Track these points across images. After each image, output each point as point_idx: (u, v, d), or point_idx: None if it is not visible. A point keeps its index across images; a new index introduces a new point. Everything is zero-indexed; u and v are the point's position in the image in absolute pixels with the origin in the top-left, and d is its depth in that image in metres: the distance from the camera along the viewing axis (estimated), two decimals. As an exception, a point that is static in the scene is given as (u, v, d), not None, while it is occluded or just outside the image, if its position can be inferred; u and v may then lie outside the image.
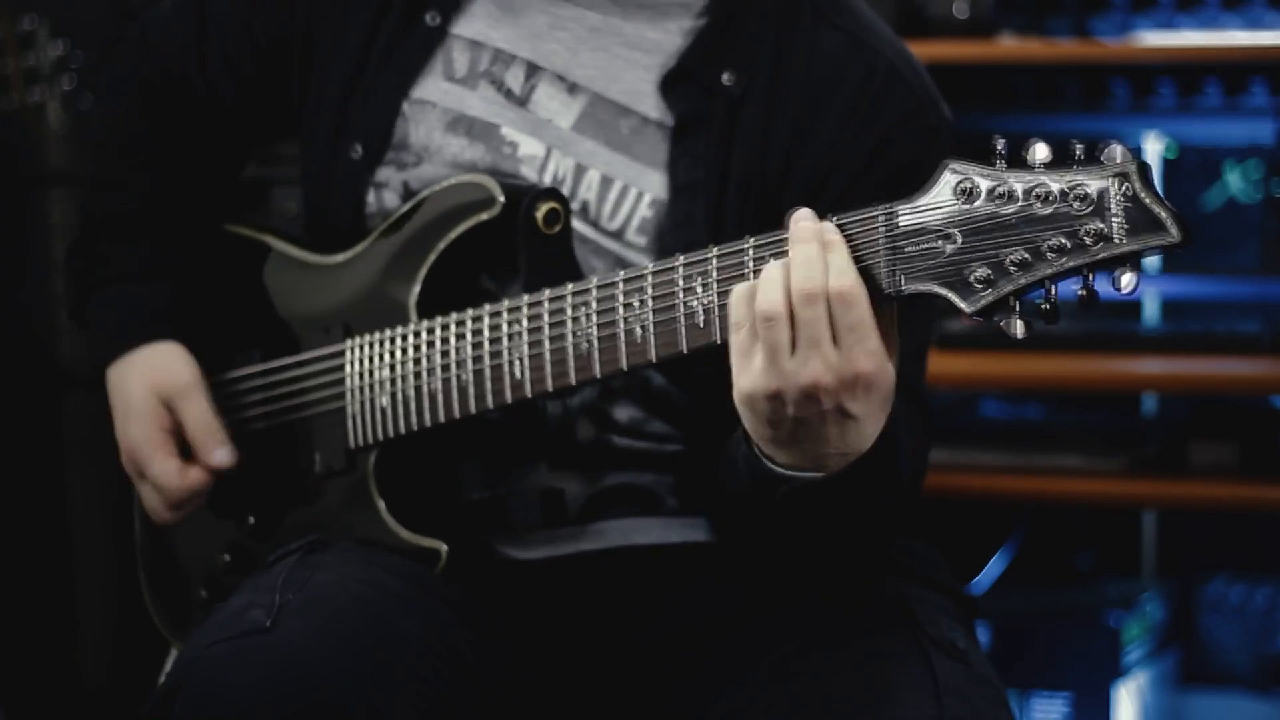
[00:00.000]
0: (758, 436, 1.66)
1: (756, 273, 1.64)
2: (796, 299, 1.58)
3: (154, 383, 2.01)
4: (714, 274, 1.68)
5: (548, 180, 1.94)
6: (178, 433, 2.01)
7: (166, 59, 2.12)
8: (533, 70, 1.97)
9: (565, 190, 1.93)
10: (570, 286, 1.78)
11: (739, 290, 1.62)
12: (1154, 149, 3.57)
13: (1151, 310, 3.56)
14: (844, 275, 1.58)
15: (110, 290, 2.08)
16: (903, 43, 1.96)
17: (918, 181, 1.58)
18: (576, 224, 1.92)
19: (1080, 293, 1.52)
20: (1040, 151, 1.53)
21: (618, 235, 1.92)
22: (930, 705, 1.72)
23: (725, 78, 1.91)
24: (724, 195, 1.89)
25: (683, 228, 1.89)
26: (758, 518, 1.78)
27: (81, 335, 3.14)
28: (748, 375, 1.61)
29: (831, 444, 1.63)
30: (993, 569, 3.46)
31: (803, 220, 1.62)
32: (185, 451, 2.01)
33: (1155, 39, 3.31)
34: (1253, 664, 3.59)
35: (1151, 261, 3.48)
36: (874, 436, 1.63)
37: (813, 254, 1.59)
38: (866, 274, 1.60)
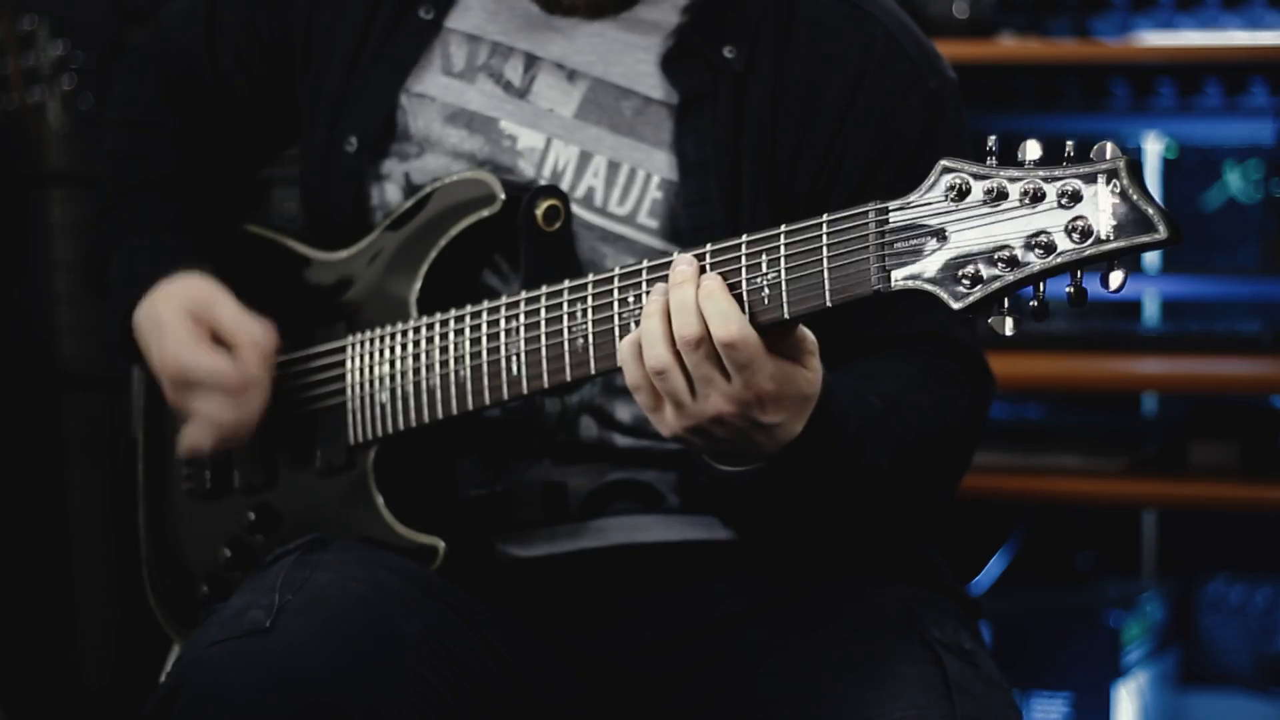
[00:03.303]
0: (705, 454, 1.71)
1: (749, 268, 1.65)
2: (680, 345, 1.62)
3: (181, 300, 1.98)
4: (708, 270, 1.68)
5: (547, 172, 1.94)
6: (215, 339, 1.97)
7: (181, 55, 2.13)
8: (531, 61, 1.97)
9: (568, 179, 1.93)
10: (567, 283, 1.79)
11: (625, 349, 1.66)
12: (1154, 149, 3.57)
13: (1151, 310, 3.56)
14: (727, 322, 1.61)
15: (137, 240, 2.08)
16: (900, 9, 1.96)
17: (933, 149, 1.58)
18: (583, 213, 1.92)
19: (1069, 290, 1.52)
20: (1032, 150, 1.53)
21: (628, 220, 1.92)
22: (943, 705, 1.72)
23: (727, 51, 1.92)
24: (738, 173, 1.89)
25: (697, 206, 1.89)
26: (737, 514, 1.83)
27: (83, 336, 3.18)
28: (665, 424, 1.66)
29: (765, 447, 1.67)
30: (993, 569, 3.46)
31: (680, 265, 1.65)
32: None
33: (1155, 39, 3.31)
34: (1253, 664, 3.59)
35: (1151, 261, 3.50)
36: (801, 426, 1.66)
37: (688, 298, 1.63)
38: (856, 270, 1.60)
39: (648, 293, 1.72)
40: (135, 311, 2.02)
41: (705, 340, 1.62)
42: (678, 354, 1.63)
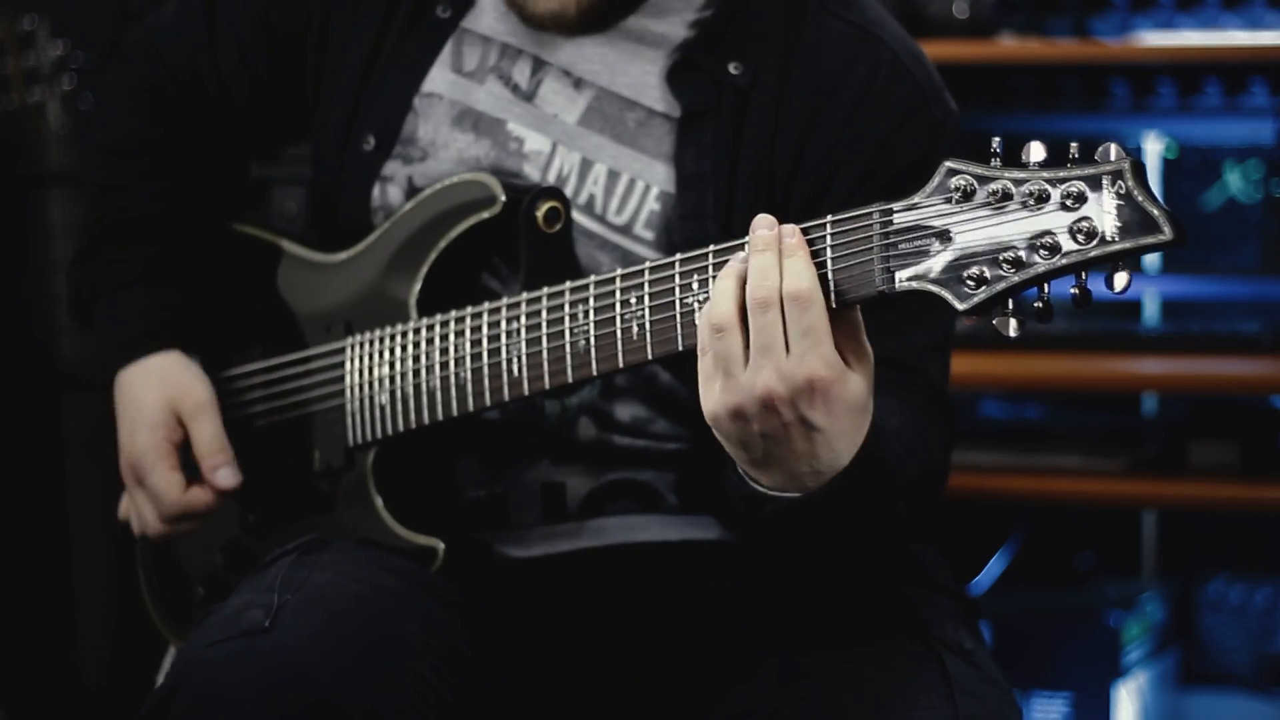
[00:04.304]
0: (735, 458, 1.67)
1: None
2: (751, 306, 1.59)
3: (170, 396, 2.01)
4: (710, 271, 1.68)
5: (552, 176, 1.94)
6: (183, 448, 2.01)
7: (176, 62, 2.12)
8: (539, 65, 1.98)
9: (571, 185, 1.93)
10: (569, 284, 1.79)
11: (701, 315, 1.63)
12: (1154, 149, 3.57)
13: (1151, 310, 3.56)
14: (799, 279, 1.58)
15: (121, 295, 2.08)
16: (909, 37, 1.96)
17: (924, 177, 1.58)
18: (583, 219, 1.92)
19: (1073, 291, 1.52)
20: (1036, 151, 1.53)
21: (625, 230, 1.92)
22: (945, 705, 1.72)
23: (732, 68, 1.92)
24: (733, 188, 1.89)
25: (691, 220, 1.89)
26: (754, 535, 1.80)
27: (83, 336, 3.18)
28: (710, 397, 1.62)
29: (802, 459, 1.62)
30: (993, 569, 3.46)
31: (760, 229, 1.62)
32: (187, 470, 2.02)
33: (1155, 39, 3.31)
34: (1253, 664, 3.59)
35: (1151, 261, 3.50)
36: (848, 452, 1.62)
37: (768, 262, 1.60)
38: (861, 272, 1.60)
39: (650, 295, 1.72)
40: (119, 375, 2.04)
41: (777, 303, 1.58)
42: (743, 317, 1.60)
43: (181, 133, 2.13)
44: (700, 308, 1.69)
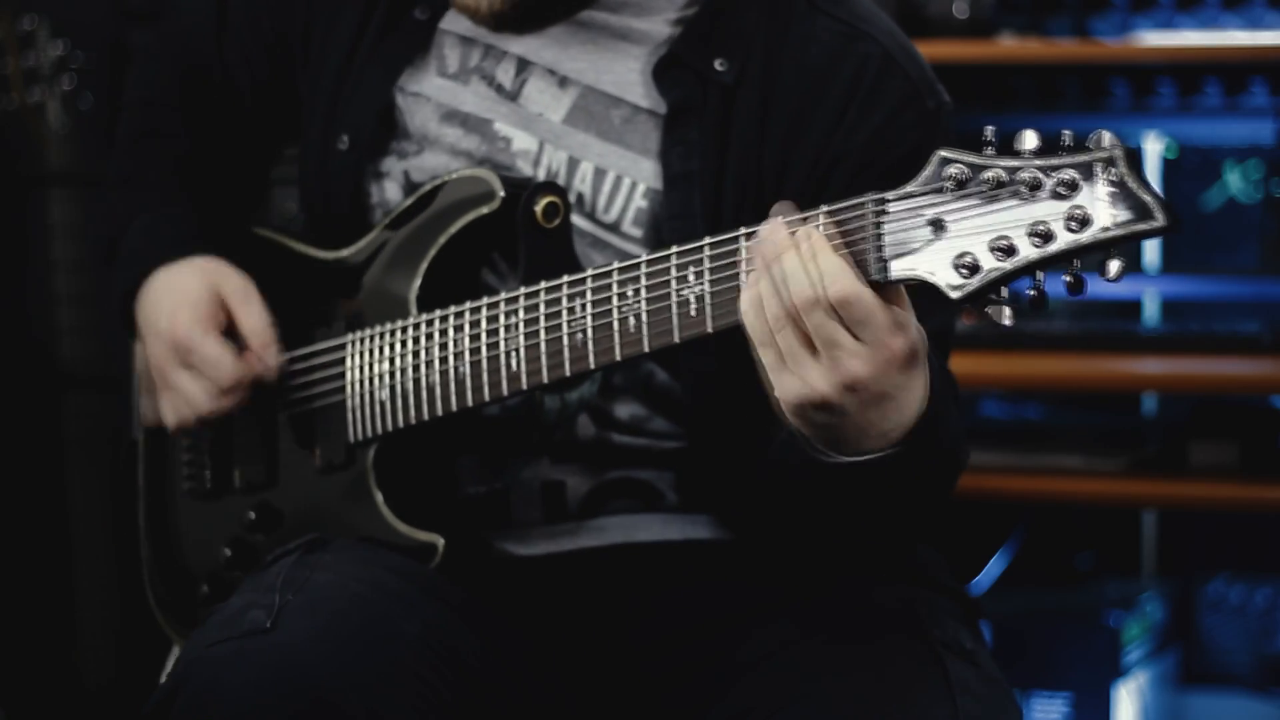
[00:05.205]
0: (819, 441, 1.65)
1: (749, 260, 1.65)
2: (800, 309, 1.58)
3: (213, 281, 1.99)
4: (706, 264, 1.69)
5: (541, 174, 1.94)
6: (227, 331, 1.98)
7: (191, 51, 2.14)
8: (523, 65, 1.98)
9: (561, 183, 1.93)
10: (566, 278, 1.79)
11: (747, 304, 1.62)
12: (1154, 149, 3.57)
13: (1151, 310, 3.56)
14: (836, 280, 1.58)
15: (165, 210, 2.07)
16: (900, 31, 1.96)
17: (919, 168, 1.58)
18: (574, 218, 1.92)
19: (1066, 279, 1.52)
20: (1029, 139, 1.53)
21: (614, 228, 1.92)
22: (945, 705, 1.72)
23: (718, 64, 1.92)
24: (721, 187, 1.89)
25: (679, 219, 1.89)
26: (823, 508, 1.78)
27: (83, 336, 3.18)
28: (792, 388, 1.60)
29: (889, 422, 1.62)
30: (993, 569, 3.46)
31: (768, 241, 1.61)
32: None
33: (1155, 39, 3.31)
34: (1253, 664, 3.59)
35: (1152, 261, 3.50)
36: (920, 401, 1.63)
37: (793, 267, 1.59)
38: (855, 261, 1.59)
39: (646, 287, 1.72)
40: (153, 274, 2.02)
41: (821, 304, 1.58)
42: (791, 314, 1.59)
43: (201, 109, 2.14)
44: (697, 300, 1.69)
